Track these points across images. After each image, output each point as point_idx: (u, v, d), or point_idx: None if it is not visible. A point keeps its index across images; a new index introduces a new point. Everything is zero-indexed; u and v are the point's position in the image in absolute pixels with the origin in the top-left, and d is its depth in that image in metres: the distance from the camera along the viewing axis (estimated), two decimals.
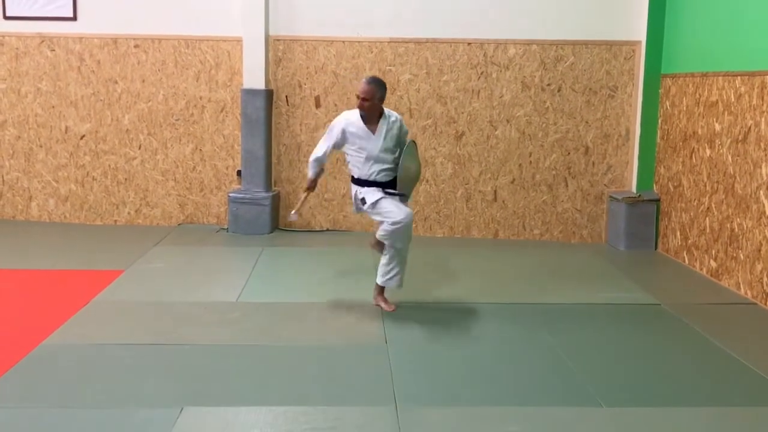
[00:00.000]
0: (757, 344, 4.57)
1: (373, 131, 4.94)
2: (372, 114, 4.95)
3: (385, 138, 4.94)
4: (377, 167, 4.94)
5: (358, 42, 7.23)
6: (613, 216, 7.15)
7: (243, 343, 4.43)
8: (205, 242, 6.98)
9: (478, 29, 7.16)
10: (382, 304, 5.06)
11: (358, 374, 4.00)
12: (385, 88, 4.99)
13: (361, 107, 4.93)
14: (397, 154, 5.01)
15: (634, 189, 7.16)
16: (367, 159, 4.93)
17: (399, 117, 5.11)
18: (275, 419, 3.47)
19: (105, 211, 7.62)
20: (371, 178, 4.96)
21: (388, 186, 4.97)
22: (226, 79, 7.38)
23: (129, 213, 7.61)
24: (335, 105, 7.30)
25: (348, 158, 5.06)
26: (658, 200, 6.97)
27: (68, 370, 3.99)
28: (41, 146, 7.53)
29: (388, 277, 4.98)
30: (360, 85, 4.92)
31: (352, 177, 5.07)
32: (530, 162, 7.28)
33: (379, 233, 4.96)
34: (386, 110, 5.02)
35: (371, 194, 4.92)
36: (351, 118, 5.00)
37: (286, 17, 7.26)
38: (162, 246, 6.76)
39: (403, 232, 4.83)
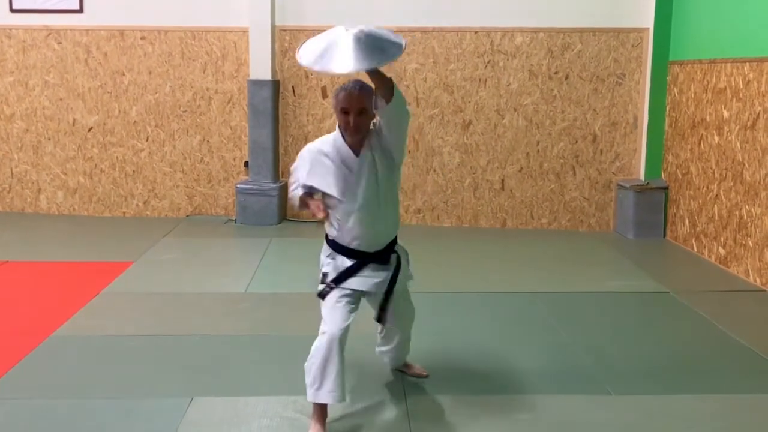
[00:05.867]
0: (766, 331, 4.56)
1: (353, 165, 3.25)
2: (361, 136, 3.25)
3: (371, 167, 3.24)
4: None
5: None
6: (622, 204, 7.13)
7: (252, 333, 4.45)
8: (214, 233, 7.00)
9: (485, 17, 7.12)
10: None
11: (367, 363, 4.01)
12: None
13: (350, 126, 3.20)
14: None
15: (642, 177, 7.14)
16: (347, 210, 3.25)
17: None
18: (284, 409, 3.48)
19: (113, 203, 7.64)
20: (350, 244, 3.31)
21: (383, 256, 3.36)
22: (232, 70, 7.37)
23: (137, 205, 7.63)
24: None
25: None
26: (666, 188, 6.95)
27: (78, 361, 4.01)
28: (49, 139, 7.56)
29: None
30: (345, 95, 3.18)
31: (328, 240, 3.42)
32: (538, 150, 7.26)
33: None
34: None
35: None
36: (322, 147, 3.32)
37: (292, 7, 7.24)
38: (170, 237, 6.78)
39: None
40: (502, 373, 3.93)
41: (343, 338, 3.17)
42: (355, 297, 3.31)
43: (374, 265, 3.31)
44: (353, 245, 3.28)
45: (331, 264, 3.32)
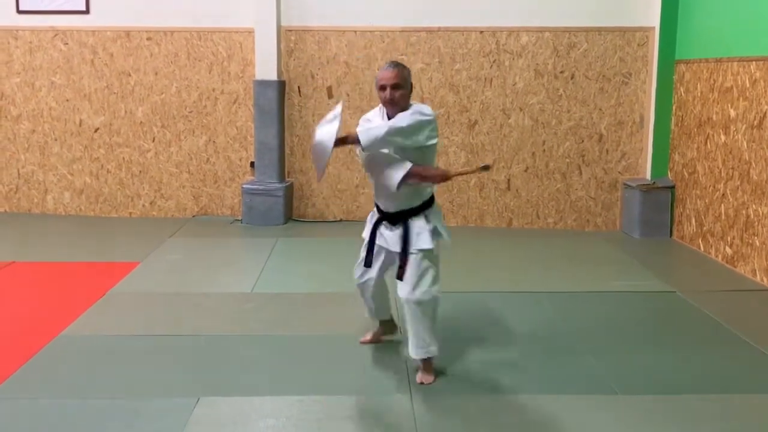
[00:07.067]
0: None
1: None
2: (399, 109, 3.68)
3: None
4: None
5: (370, 31, 7.21)
6: (628, 203, 7.11)
7: (258, 333, 4.46)
8: (220, 234, 7.01)
9: (491, 17, 7.12)
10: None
11: (373, 364, 4.02)
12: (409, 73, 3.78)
13: (387, 99, 3.69)
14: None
15: (648, 176, 7.12)
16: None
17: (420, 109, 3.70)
18: (290, 408, 3.49)
19: (120, 203, 7.66)
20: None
21: (393, 218, 3.84)
22: (238, 70, 7.38)
23: (144, 205, 7.65)
24: (347, 95, 7.29)
25: None
26: (672, 187, 6.93)
27: (85, 362, 4.03)
28: (56, 139, 7.58)
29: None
30: (382, 73, 3.70)
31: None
32: (544, 150, 7.25)
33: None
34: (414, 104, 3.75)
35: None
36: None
37: (298, 7, 7.25)
38: (177, 238, 6.80)
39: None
40: (507, 372, 3.93)
41: (363, 286, 4.00)
42: (374, 250, 3.89)
43: (387, 223, 3.83)
44: (375, 200, 3.90)
45: (368, 218, 3.97)
